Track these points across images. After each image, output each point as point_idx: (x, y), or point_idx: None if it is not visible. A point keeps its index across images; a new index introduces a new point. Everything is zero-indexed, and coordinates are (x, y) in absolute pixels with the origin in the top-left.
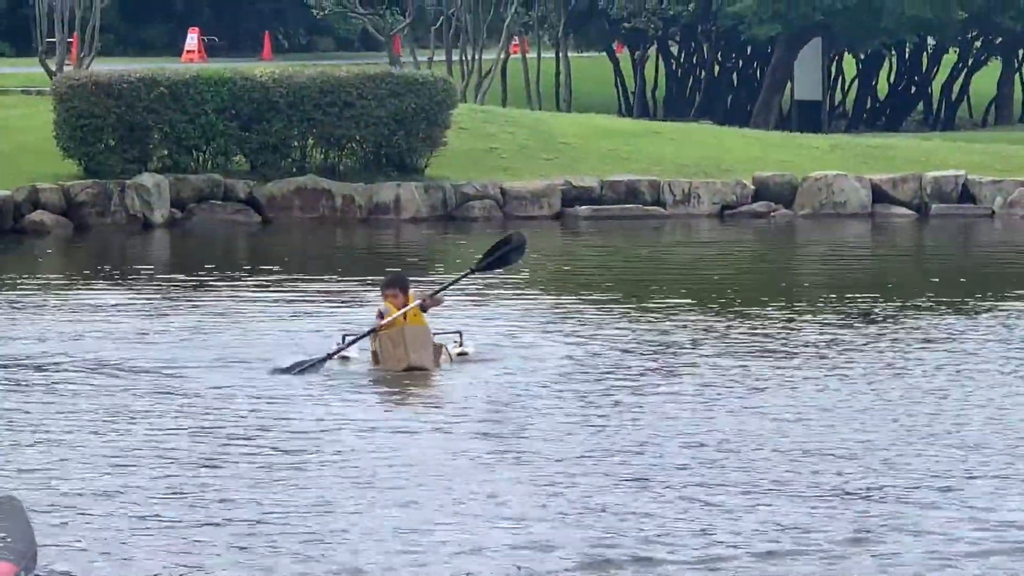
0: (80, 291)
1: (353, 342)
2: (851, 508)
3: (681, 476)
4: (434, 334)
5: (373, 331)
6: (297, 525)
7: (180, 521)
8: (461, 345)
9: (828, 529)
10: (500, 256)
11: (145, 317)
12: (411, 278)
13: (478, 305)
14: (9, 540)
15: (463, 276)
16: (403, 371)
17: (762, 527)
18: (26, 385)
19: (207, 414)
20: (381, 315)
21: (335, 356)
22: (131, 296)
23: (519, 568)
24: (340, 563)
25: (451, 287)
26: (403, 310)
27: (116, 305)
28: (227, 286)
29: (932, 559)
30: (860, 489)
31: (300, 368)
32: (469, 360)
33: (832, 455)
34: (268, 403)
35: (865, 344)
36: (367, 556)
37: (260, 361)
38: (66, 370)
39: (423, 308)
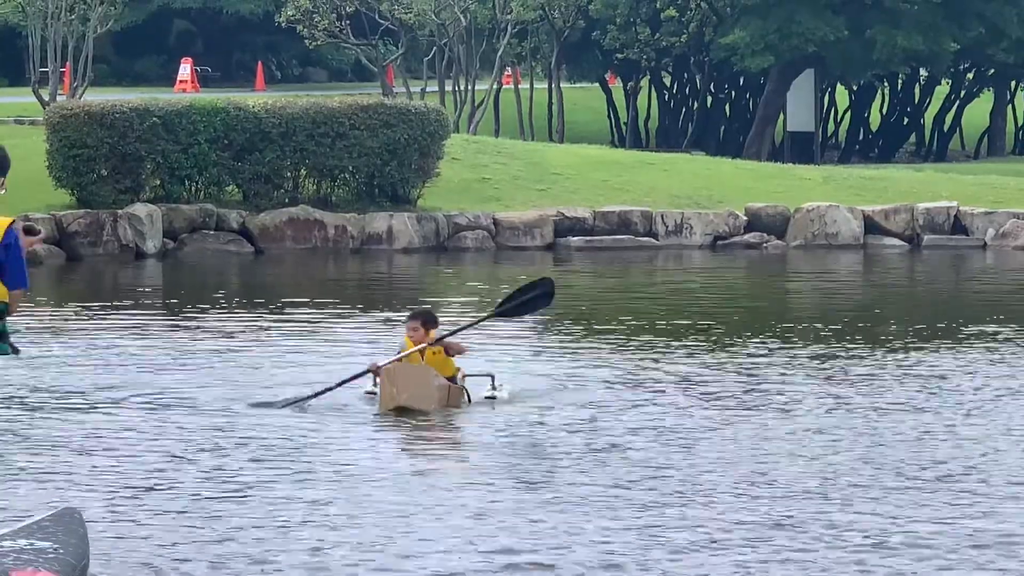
0: (72, 320)
1: (342, 383)
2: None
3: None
4: (464, 376)
5: (362, 374)
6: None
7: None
8: (493, 388)
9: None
10: (525, 302)
11: (141, 346)
12: (405, 309)
13: (482, 343)
14: (61, 551)
15: (483, 319)
16: (392, 411)
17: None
18: (38, 409)
19: (223, 437)
20: (377, 367)
21: (319, 396)
22: (125, 325)
23: None
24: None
25: (468, 329)
26: (413, 349)
27: (110, 334)
28: (221, 316)
29: None
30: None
31: (285, 403)
32: (483, 403)
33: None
34: (285, 437)
35: (864, 374)
36: None
37: (259, 389)
38: (77, 397)
39: (448, 352)
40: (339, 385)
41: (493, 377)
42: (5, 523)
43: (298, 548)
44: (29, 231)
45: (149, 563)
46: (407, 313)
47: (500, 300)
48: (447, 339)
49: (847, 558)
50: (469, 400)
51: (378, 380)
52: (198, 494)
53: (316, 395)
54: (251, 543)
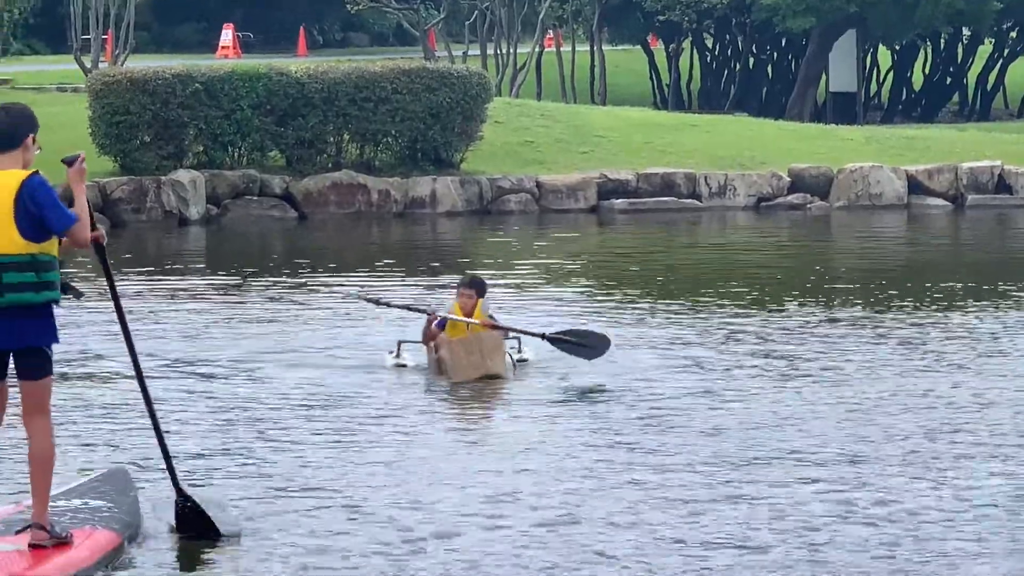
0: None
1: (407, 308)
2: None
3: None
4: (514, 331)
5: (429, 313)
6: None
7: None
8: (520, 352)
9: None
10: (577, 344)
11: (187, 311)
12: (450, 273)
13: (521, 302)
14: (115, 510)
15: (533, 334)
16: (477, 380)
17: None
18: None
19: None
20: (435, 315)
21: (409, 309)
22: (171, 291)
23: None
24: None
25: (515, 334)
26: (472, 320)
27: (156, 300)
28: (266, 281)
29: None
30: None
31: (380, 301)
32: (534, 365)
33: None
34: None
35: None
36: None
37: (306, 353)
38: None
39: (491, 327)
40: (404, 308)
41: (519, 340)
42: (59, 484)
43: (342, 504)
44: (67, 163)
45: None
46: (459, 278)
47: (562, 330)
48: (496, 325)
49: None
50: (514, 365)
51: (437, 351)
52: (250, 453)
53: (407, 308)
54: (306, 504)
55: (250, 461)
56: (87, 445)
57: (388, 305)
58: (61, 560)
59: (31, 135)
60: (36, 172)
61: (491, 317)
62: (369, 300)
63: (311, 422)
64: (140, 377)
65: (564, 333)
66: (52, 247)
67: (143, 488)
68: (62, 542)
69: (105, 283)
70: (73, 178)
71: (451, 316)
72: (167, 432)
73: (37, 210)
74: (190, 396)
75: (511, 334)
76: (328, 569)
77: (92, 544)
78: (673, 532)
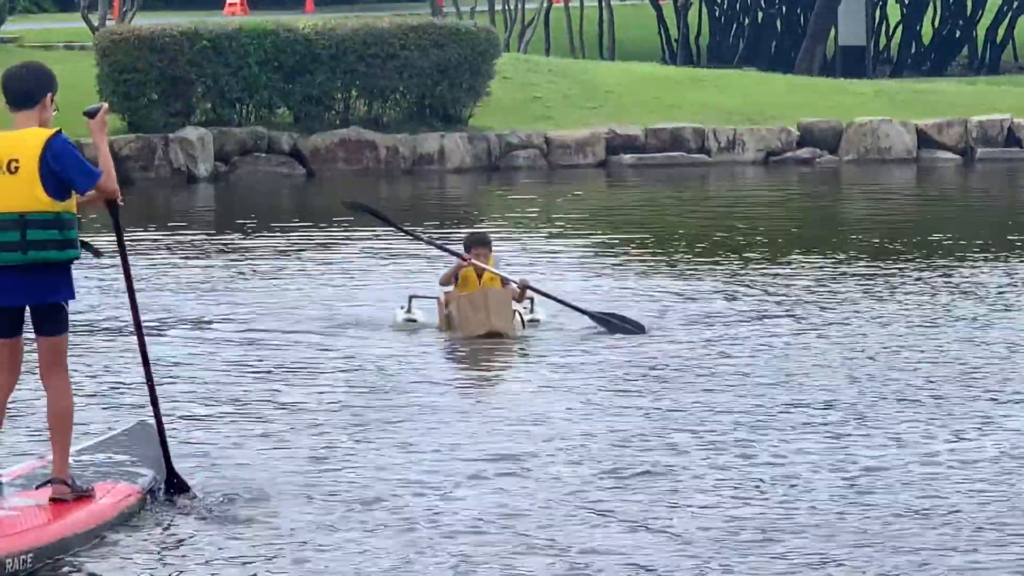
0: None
1: (439, 246)
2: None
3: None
4: (552, 297)
5: (460, 256)
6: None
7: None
8: (532, 312)
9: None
10: (610, 322)
11: (197, 269)
12: (458, 228)
13: (530, 257)
14: (139, 464)
15: (571, 306)
16: (482, 336)
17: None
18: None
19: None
20: (456, 276)
21: (411, 234)
22: (180, 248)
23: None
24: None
25: (551, 300)
26: (490, 269)
27: (167, 258)
28: (276, 237)
29: None
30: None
31: (372, 211)
32: (544, 326)
33: None
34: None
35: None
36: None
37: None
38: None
39: (521, 288)
40: (429, 243)
41: (532, 300)
42: (84, 438)
43: (357, 468)
44: (89, 114)
45: (220, 475)
46: (467, 234)
47: (603, 312)
48: (536, 289)
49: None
50: (524, 324)
51: (446, 306)
52: (256, 415)
53: (404, 230)
54: (313, 466)
55: (255, 424)
56: (108, 402)
57: (398, 228)
58: (83, 514)
59: (49, 94)
60: (59, 131)
61: (501, 277)
62: (363, 209)
63: (318, 381)
64: (142, 346)
65: (604, 312)
66: (73, 205)
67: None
68: (84, 495)
69: (116, 242)
70: (95, 129)
71: (487, 267)
72: (173, 397)
73: (61, 170)
74: (198, 355)
75: (551, 299)
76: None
77: (114, 497)
78: (682, 488)
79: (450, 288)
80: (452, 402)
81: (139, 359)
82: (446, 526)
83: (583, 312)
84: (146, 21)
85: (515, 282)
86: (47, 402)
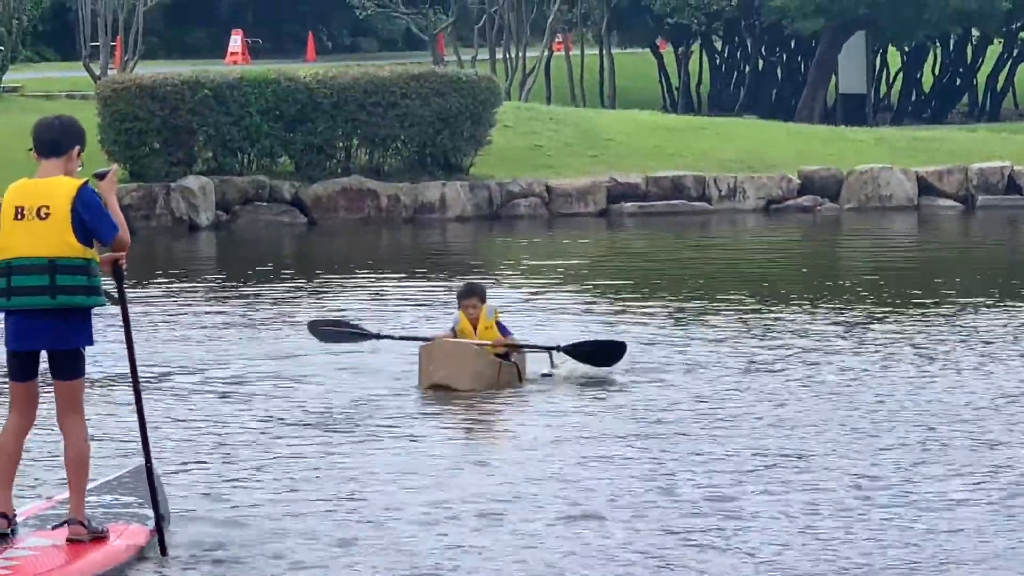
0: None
1: (395, 339)
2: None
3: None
4: (526, 347)
5: (413, 339)
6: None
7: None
8: (553, 366)
9: None
10: (593, 353)
11: (198, 317)
12: (460, 276)
13: (532, 306)
14: (144, 504)
15: (546, 349)
16: (428, 389)
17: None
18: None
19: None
20: (452, 330)
21: (372, 338)
22: (182, 297)
23: None
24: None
25: (529, 350)
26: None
27: (167, 306)
28: (277, 286)
29: None
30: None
31: (336, 334)
32: (540, 381)
33: None
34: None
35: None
36: None
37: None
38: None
39: (508, 348)
40: (387, 338)
41: (551, 353)
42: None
43: (350, 511)
44: (99, 176)
45: (226, 516)
46: (459, 287)
47: (576, 342)
48: (508, 340)
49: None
50: (521, 379)
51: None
52: (259, 462)
53: (367, 335)
54: (326, 516)
55: (260, 470)
56: (110, 446)
57: (377, 336)
58: (99, 555)
59: (77, 147)
60: (87, 182)
61: (499, 325)
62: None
63: (321, 430)
64: (137, 394)
65: (582, 344)
66: (97, 254)
67: (168, 484)
68: (99, 536)
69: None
70: (106, 190)
71: (457, 340)
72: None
73: (90, 219)
74: (194, 404)
75: (526, 350)
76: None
77: (128, 538)
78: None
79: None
80: (449, 454)
81: (134, 406)
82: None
83: (562, 350)
84: (148, 70)
85: (513, 340)
86: (64, 445)
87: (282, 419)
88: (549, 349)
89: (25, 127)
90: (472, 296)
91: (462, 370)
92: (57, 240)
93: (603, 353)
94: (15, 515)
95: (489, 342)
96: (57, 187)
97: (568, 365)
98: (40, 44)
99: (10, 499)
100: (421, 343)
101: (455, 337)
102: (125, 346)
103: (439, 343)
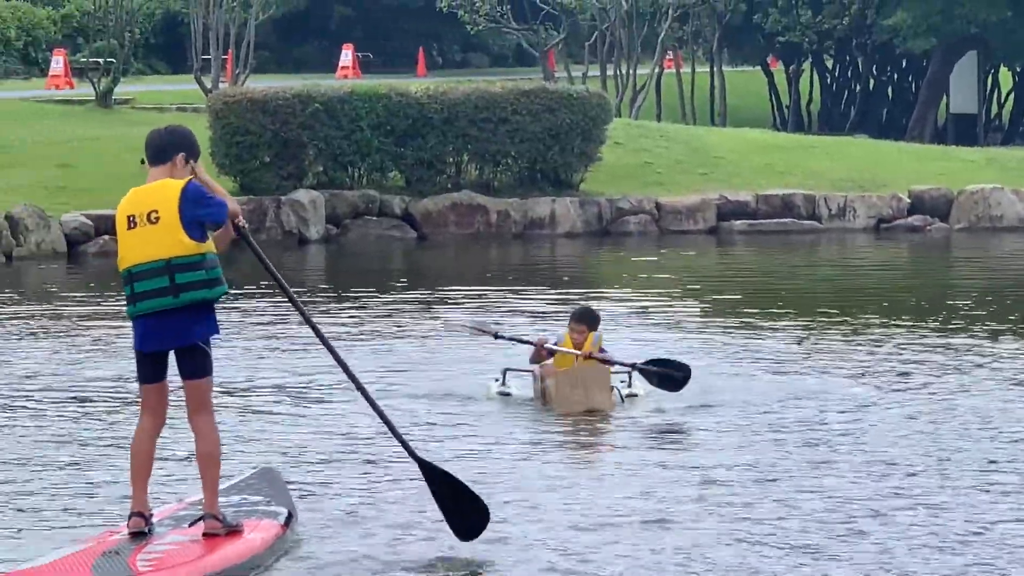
0: (241, 303)
1: (515, 340)
2: None
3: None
4: (609, 362)
5: (527, 343)
6: None
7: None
8: (630, 386)
9: None
10: (663, 376)
11: (305, 330)
12: (569, 293)
13: (640, 322)
14: (274, 503)
15: (626, 365)
16: (581, 413)
17: None
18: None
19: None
20: (544, 346)
21: (501, 339)
22: (291, 310)
23: None
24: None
25: (612, 364)
26: (582, 352)
27: (278, 318)
28: (387, 300)
29: None
30: None
31: (473, 327)
32: (639, 400)
33: None
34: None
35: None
36: None
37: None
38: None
39: (589, 357)
40: (507, 339)
41: (630, 374)
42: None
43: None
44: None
45: (349, 512)
46: (572, 309)
47: (650, 359)
48: (603, 356)
49: None
50: (622, 399)
51: (542, 381)
52: (350, 481)
53: (497, 335)
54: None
55: (351, 485)
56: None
57: (495, 336)
58: (239, 546)
59: (182, 154)
60: (190, 180)
61: (602, 350)
62: (474, 329)
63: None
64: (333, 353)
65: (651, 362)
66: (213, 246)
67: (291, 484)
68: (234, 530)
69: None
70: (200, 170)
71: (559, 348)
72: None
73: (200, 208)
74: (297, 417)
75: (615, 367)
76: None
77: (262, 532)
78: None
79: (549, 363)
80: (543, 476)
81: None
82: None
83: (639, 368)
84: (259, 84)
85: (614, 360)
86: (196, 444)
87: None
88: (626, 365)
89: (136, 139)
90: (582, 323)
91: (608, 393)
92: (171, 241)
93: (672, 378)
94: (151, 514)
95: (580, 352)
96: (163, 190)
97: (640, 385)
98: (152, 57)
99: (146, 499)
100: (541, 345)
101: (554, 357)
102: (284, 296)
103: (584, 368)
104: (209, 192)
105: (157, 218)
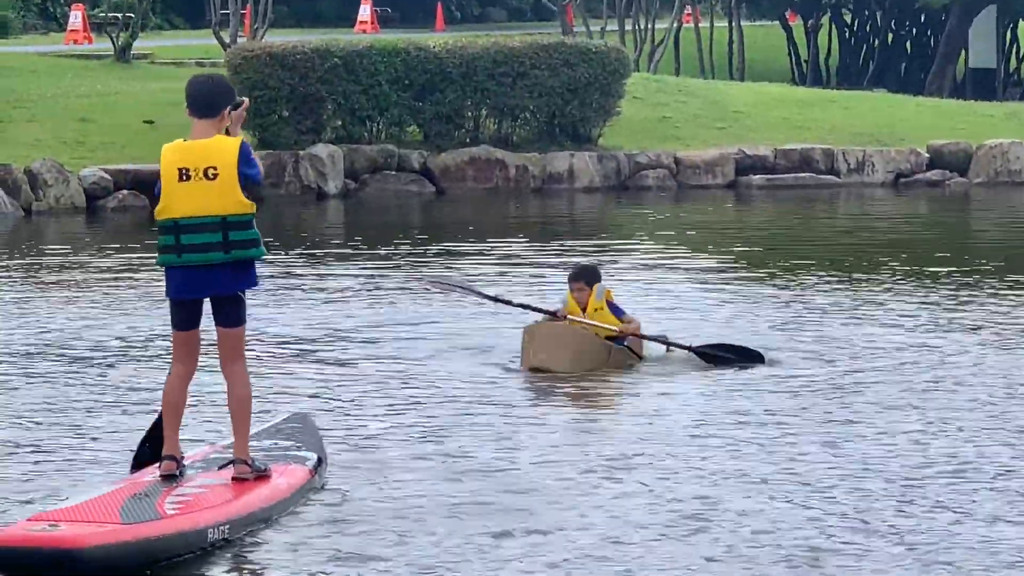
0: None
1: (520, 307)
2: None
3: None
4: (650, 339)
5: (540, 311)
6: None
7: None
8: (670, 349)
9: None
10: (726, 359)
11: (328, 283)
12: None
13: (657, 278)
14: (305, 448)
15: (681, 346)
16: (530, 371)
17: None
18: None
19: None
20: (559, 310)
21: (489, 299)
22: (312, 264)
23: None
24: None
25: (660, 343)
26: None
27: (298, 272)
28: (406, 254)
29: None
30: None
31: (451, 286)
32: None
33: None
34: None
35: None
36: None
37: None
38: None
39: (620, 335)
40: (519, 307)
41: (668, 346)
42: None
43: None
44: (234, 107)
45: (377, 459)
46: (570, 270)
47: (712, 343)
48: (626, 328)
49: None
50: (640, 357)
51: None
52: (409, 410)
53: (487, 296)
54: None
55: (379, 431)
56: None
57: (495, 300)
58: (264, 491)
59: (228, 107)
60: (243, 140)
61: (611, 305)
62: (454, 287)
63: (425, 406)
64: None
65: (713, 347)
66: (254, 204)
67: (323, 430)
68: (263, 475)
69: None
70: (235, 121)
71: (583, 319)
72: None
73: (249, 171)
74: (318, 370)
75: (649, 341)
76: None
77: (290, 477)
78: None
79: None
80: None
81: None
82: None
83: (694, 350)
84: (277, 38)
85: (618, 327)
86: (227, 390)
87: (394, 389)
88: (681, 347)
89: (155, 94)
90: (579, 280)
91: (562, 353)
92: (230, 199)
93: (737, 362)
94: (183, 457)
95: (605, 325)
96: (221, 148)
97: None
98: (170, 12)
99: (177, 443)
100: (536, 319)
101: (563, 317)
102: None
103: (542, 325)
104: (252, 154)
105: (215, 175)
